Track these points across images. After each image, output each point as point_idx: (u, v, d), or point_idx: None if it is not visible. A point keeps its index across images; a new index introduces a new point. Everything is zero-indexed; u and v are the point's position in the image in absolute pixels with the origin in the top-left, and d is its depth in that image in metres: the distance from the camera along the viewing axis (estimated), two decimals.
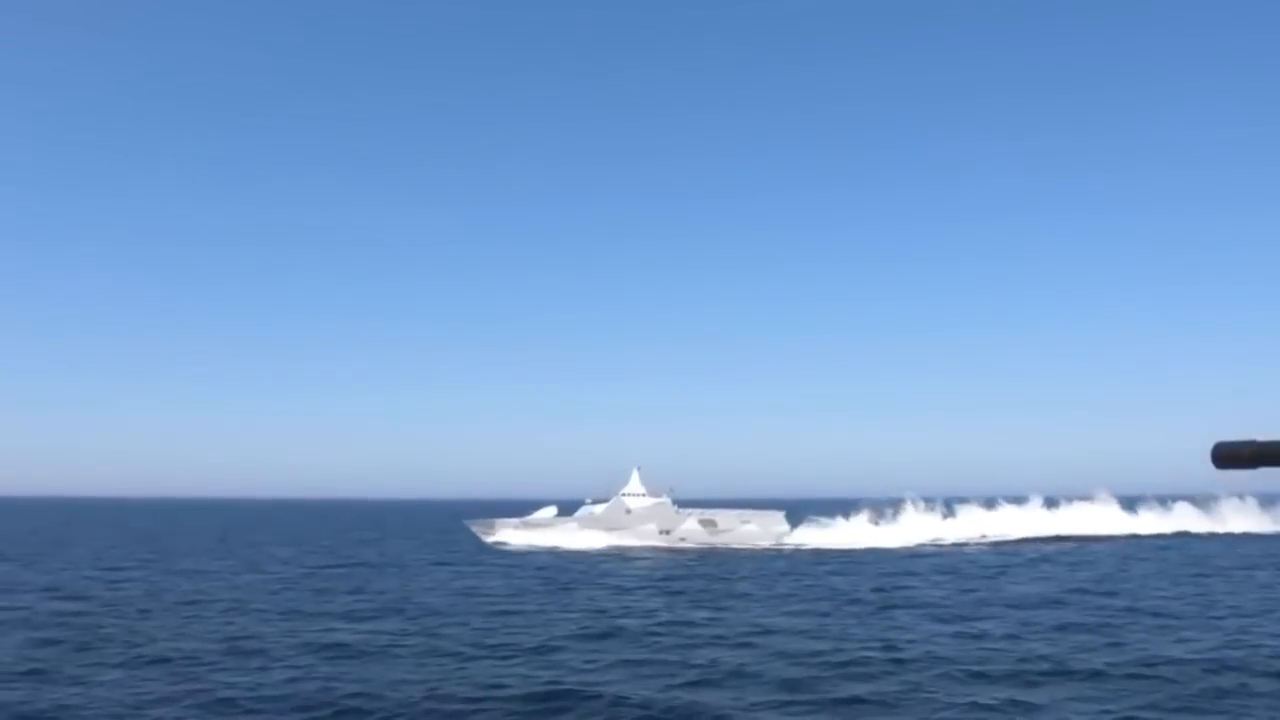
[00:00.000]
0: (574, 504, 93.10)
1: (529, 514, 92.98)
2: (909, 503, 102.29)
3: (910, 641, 31.21)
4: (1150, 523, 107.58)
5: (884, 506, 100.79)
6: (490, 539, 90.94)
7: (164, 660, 28.18)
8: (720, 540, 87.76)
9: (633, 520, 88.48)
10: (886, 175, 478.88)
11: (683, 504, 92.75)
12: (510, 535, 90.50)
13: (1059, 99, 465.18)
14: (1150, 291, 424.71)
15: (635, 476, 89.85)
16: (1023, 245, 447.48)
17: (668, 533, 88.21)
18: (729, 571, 60.62)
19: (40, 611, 38.85)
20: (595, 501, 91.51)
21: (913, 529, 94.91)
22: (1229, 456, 3.04)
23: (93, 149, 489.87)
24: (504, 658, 28.60)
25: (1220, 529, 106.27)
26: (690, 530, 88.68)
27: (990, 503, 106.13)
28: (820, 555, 77.81)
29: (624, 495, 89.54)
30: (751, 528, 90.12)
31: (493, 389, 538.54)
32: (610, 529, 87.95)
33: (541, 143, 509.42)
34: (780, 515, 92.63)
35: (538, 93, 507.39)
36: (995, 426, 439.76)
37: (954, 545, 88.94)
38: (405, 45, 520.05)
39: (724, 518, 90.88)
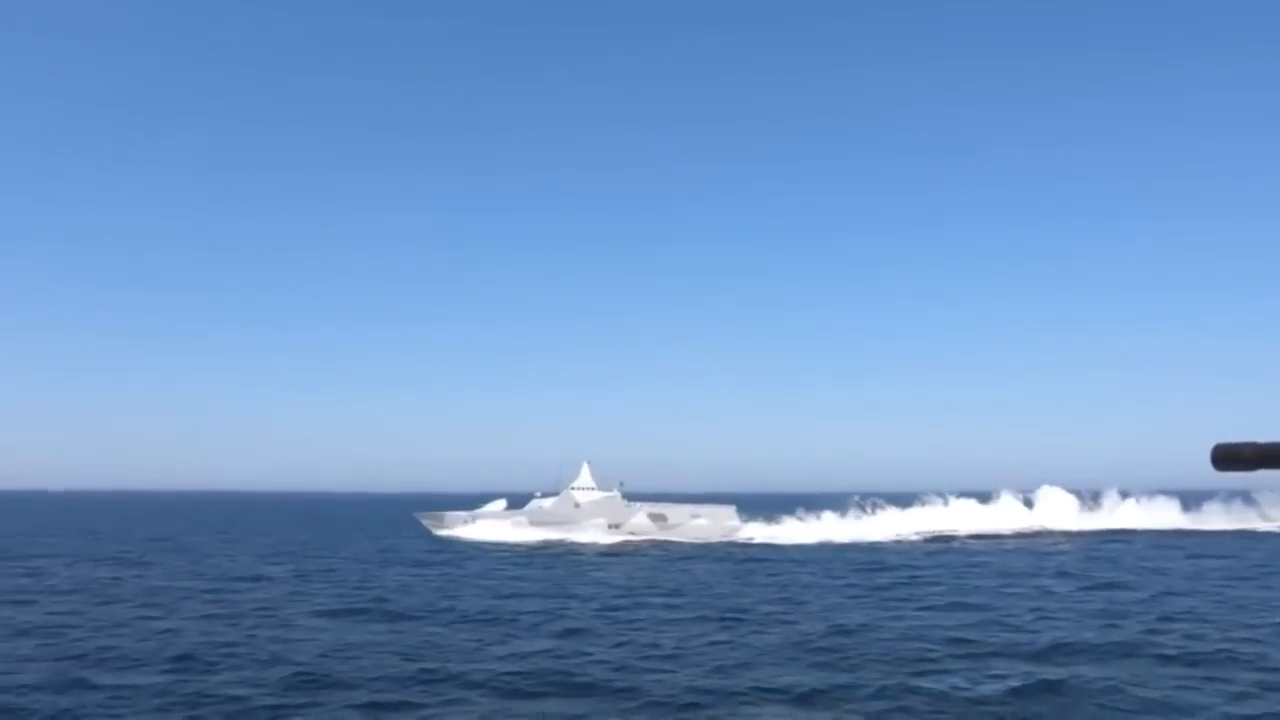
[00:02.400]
0: (525, 497, 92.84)
1: (478, 507, 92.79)
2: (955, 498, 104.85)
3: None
4: (1214, 520, 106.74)
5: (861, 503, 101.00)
6: (441, 533, 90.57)
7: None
8: (670, 535, 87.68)
9: (582, 514, 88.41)
10: (880, 181, 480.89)
11: (634, 497, 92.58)
12: (461, 529, 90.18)
13: (1060, 105, 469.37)
14: (1148, 299, 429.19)
15: (585, 470, 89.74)
16: (1009, 251, 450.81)
17: (617, 527, 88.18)
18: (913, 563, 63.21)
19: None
20: (545, 495, 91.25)
21: (882, 524, 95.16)
22: (1229, 458, 2.97)
23: (103, 159, 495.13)
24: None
25: (1264, 525, 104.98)
26: (640, 524, 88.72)
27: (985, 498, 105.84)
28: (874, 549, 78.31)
29: (573, 489, 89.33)
30: (702, 522, 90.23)
31: (443, 385, 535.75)
32: (559, 523, 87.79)
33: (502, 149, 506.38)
34: (732, 510, 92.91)
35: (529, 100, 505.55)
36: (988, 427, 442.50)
37: (939, 538, 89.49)
38: (416, 58, 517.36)
39: (674, 512, 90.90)
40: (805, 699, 22.40)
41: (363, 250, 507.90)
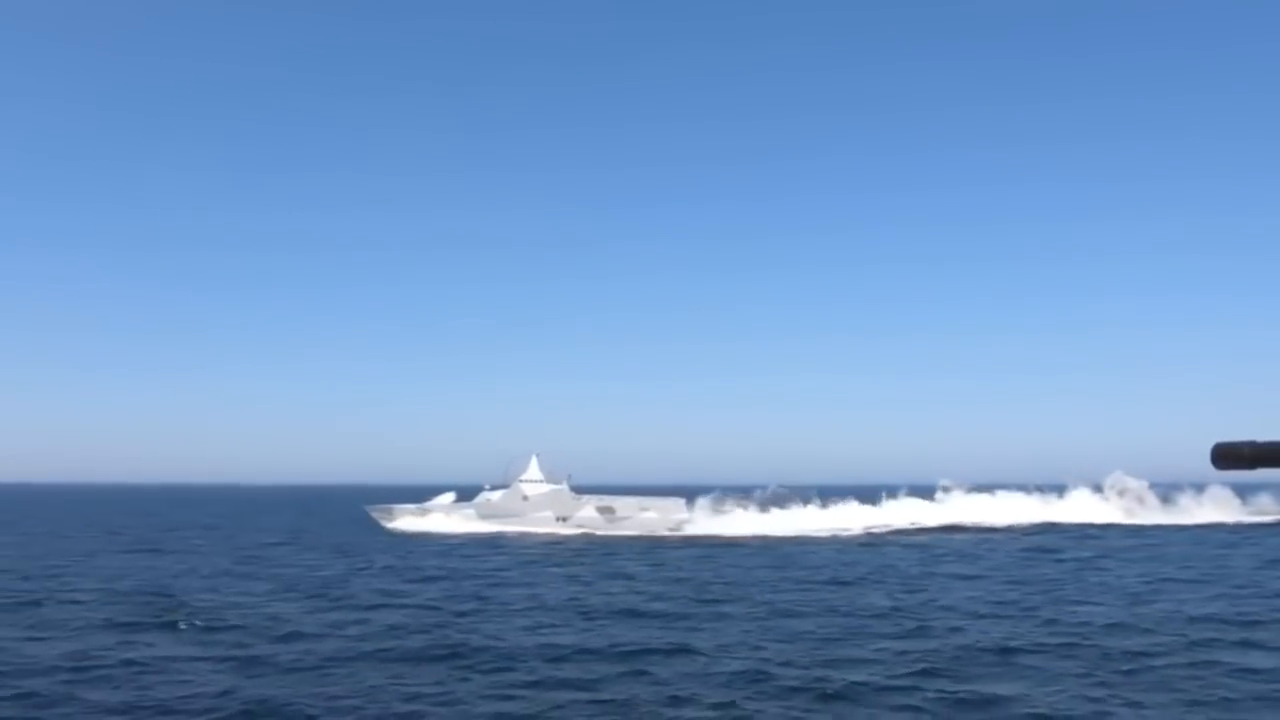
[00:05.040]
0: (474, 489, 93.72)
1: (427, 500, 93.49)
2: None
3: None
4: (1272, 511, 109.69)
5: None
6: (391, 525, 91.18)
7: None
8: (618, 528, 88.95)
9: (529, 507, 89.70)
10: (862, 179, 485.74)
11: (585, 490, 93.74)
12: (410, 522, 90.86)
13: (1060, 107, 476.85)
14: (1144, 299, 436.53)
15: (534, 463, 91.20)
16: (1006, 249, 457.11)
17: (565, 519, 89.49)
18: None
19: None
20: (494, 488, 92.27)
21: (843, 517, 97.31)
22: (1228, 457, 3.05)
23: (102, 159, 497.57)
24: None
25: None
26: (587, 517, 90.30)
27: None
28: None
29: (522, 481, 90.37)
30: (650, 515, 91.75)
31: (392, 377, 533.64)
32: (507, 515, 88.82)
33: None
34: (681, 502, 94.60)
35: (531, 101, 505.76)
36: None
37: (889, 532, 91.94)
38: (424, 59, 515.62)
39: (622, 504, 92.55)
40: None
41: (314, 249, 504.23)
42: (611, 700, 22.82)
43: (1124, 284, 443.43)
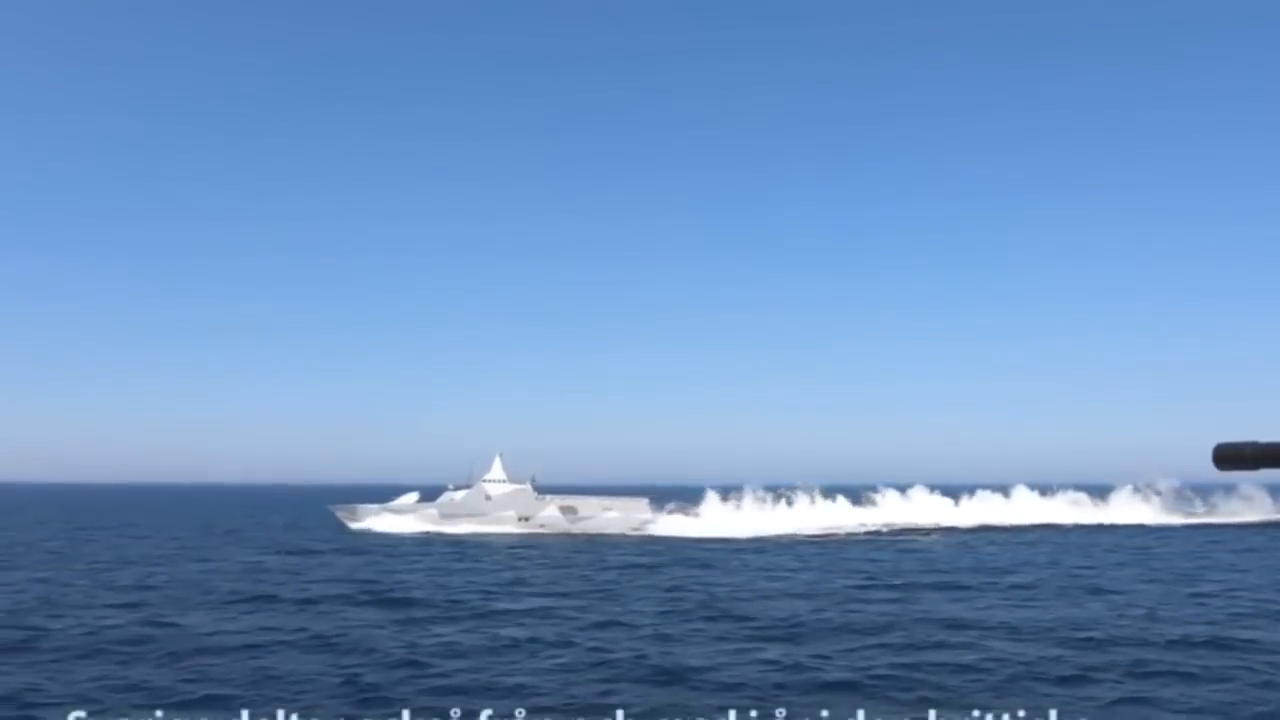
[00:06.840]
0: (437, 489, 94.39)
1: (391, 499, 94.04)
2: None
3: None
4: None
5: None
6: (355, 525, 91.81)
7: None
8: (581, 527, 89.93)
9: (493, 506, 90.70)
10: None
11: (546, 490, 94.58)
12: (374, 521, 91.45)
13: (1059, 115, 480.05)
14: (1144, 301, 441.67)
15: (497, 463, 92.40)
16: (1008, 255, 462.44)
17: (527, 519, 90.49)
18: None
19: None
20: (457, 488, 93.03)
21: (805, 516, 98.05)
22: (1231, 457, 3.09)
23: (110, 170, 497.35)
24: None
25: None
26: (550, 517, 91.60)
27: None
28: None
29: (485, 481, 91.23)
30: (613, 515, 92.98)
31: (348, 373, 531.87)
32: (470, 515, 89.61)
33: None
34: (644, 502, 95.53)
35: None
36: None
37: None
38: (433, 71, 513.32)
39: (585, 504, 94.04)
40: None
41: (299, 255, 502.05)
42: (966, 665, 25.85)
43: (1123, 286, 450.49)
